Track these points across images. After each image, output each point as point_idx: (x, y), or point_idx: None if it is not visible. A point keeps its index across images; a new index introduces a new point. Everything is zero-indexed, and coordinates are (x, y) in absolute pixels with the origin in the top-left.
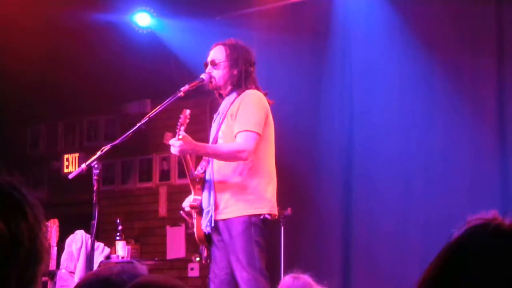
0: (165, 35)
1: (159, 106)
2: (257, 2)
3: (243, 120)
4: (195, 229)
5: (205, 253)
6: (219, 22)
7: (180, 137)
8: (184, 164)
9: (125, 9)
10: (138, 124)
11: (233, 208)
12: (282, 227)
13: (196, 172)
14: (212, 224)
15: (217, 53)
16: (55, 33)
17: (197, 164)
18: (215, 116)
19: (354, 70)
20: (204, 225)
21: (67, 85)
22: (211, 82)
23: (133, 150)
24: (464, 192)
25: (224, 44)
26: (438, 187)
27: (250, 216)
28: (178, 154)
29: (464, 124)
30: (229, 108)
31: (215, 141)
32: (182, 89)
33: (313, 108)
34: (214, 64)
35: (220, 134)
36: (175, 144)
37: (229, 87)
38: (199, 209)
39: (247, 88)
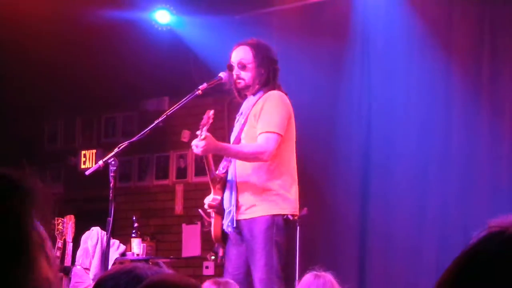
0: (185, 33)
1: (177, 104)
2: (277, 1)
3: (265, 121)
4: (212, 228)
5: (220, 253)
6: (238, 21)
7: (203, 137)
8: (205, 163)
9: (145, 6)
10: (156, 121)
11: (256, 208)
12: (298, 227)
13: (217, 172)
14: (234, 225)
15: (243, 54)
16: (75, 30)
17: (217, 163)
18: (237, 116)
19: (372, 71)
20: (225, 225)
21: (85, 81)
22: (238, 83)
23: (150, 147)
24: (481, 195)
25: (247, 44)
26: (456, 189)
27: (274, 216)
28: (200, 154)
29: (482, 125)
30: (251, 108)
31: (238, 141)
32: (200, 87)
33: (331, 108)
34: (242, 65)
35: (243, 134)
36: (198, 145)
37: (257, 86)
38: (218, 209)
39: (274, 87)
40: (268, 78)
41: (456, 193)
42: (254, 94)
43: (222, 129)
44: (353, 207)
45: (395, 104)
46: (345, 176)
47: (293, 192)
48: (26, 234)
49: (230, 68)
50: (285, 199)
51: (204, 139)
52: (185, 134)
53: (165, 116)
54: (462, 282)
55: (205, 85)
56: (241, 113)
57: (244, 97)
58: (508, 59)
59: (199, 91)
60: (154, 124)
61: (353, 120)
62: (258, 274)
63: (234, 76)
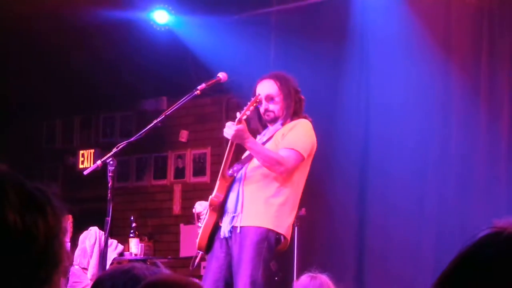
0: (183, 33)
1: (175, 104)
2: (276, 1)
3: (292, 139)
4: (202, 227)
5: (197, 260)
6: (237, 21)
7: (244, 117)
8: (226, 154)
9: (143, 6)
10: (154, 121)
11: (254, 218)
12: (296, 227)
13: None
14: (238, 231)
15: (269, 88)
16: (73, 29)
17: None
18: (258, 136)
19: (371, 71)
20: (227, 229)
21: (84, 81)
22: (268, 115)
23: (148, 147)
24: (478, 198)
25: (271, 78)
26: (453, 192)
27: (268, 230)
28: (230, 137)
29: (480, 124)
30: (277, 130)
31: (251, 157)
32: (198, 87)
33: (330, 108)
34: (271, 98)
35: None
36: (231, 127)
37: (285, 117)
38: (217, 207)
39: (302, 115)
40: (295, 108)
41: (454, 193)
42: (282, 125)
43: (220, 129)
44: (351, 208)
45: (394, 104)
46: (343, 176)
47: (291, 219)
48: (60, 255)
49: (258, 102)
50: (283, 219)
51: (239, 123)
52: (183, 134)
53: (163, 116)
54: (460, 283)
55: (203, 85)
56: (264, 135)
57: (265, 126)
58: (507, 59)
59: (198, 91)
60: (152, 124)
61: (351, 120)
62: (241, 283)
63: (262, 110)
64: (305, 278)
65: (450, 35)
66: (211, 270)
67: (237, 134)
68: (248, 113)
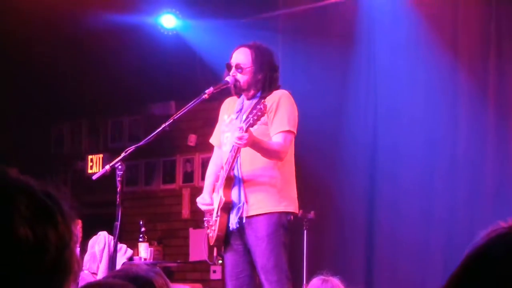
0: (191, 37)
1: (183, 108)
2: (283, 4)
3: (283, 120)
4: (216, 228)
5: (215, 254)
6: (244, 24)
7: (245, 129)
8: (233, 158)
9: (151, 11)
10: (162, 126)
11: (262, 204)
12: (305, 231)
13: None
14: (244, 221)
15: (242, 57)
16: (81, 34)
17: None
18: (236, 114)
19: (378, 74)
20: (234, 221)
21: (92, 86)
22: (234, 85)
23: (156, 151)
24: (488, 198)
25: (249, 47)
26: (463, 192)
27: (280, 214)
28: (243, 146)
29: (488, 128)
30: (253, 107)
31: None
32: (206, 91)
33: (338, 111)
34: (239, 67)
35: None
36: (244, 137)
37: (252, 91)
38: (229, 204)
39: (271, 92)
40: (264, 84)
41: (462, 196)
42: (250, 98)
43: None
44: (360, 211)
45: (401, 107)
46: (352, 179)
47: (294, 190)
48: (72, 263)
49: (227, 67)
50: (289, 197)
51: (247, 131)
52: (192, 138)
53: (171, 120)
54: (470, 284)
55: (211, 89)
56: (240, 110)
57: (239, 95)
58: None
59: (206, 95)
60: (160, 128)
61: (359, 123)
62: (269, 276)
63: (232, 78)
64: (316, 281)
65: (458, 38)
66: (234, 262)
67: (248, 143)
68: (256, 124)
